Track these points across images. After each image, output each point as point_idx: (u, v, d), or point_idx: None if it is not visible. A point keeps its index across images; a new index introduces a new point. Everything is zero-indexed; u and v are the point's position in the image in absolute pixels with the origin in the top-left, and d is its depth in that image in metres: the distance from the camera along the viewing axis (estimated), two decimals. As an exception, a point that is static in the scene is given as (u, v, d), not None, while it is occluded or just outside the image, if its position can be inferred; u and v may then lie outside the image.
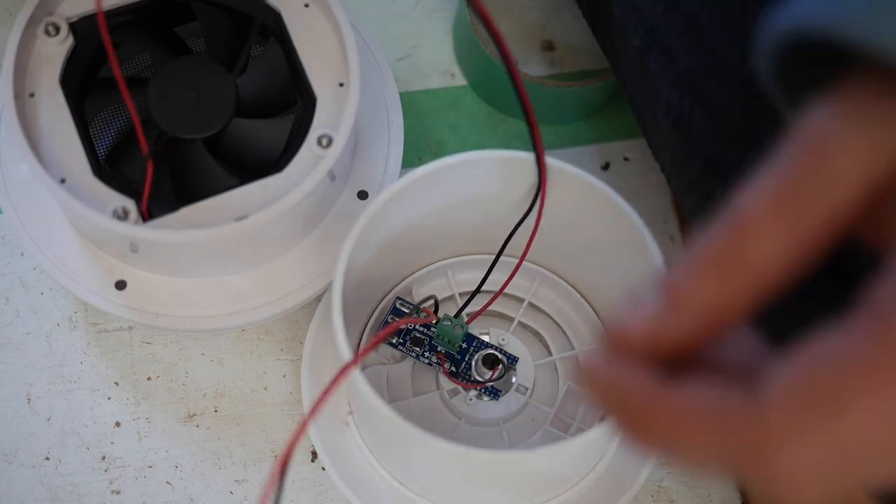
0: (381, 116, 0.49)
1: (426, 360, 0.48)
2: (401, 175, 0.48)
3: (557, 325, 0.51)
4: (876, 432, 0.19)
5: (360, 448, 0.46)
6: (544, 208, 0.43)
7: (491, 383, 0.48)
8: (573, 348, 0.50)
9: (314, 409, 0.35)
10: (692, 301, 0.21)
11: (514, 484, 0.44)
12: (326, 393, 0.34)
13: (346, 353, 0.38)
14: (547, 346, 0.50)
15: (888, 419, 0.19)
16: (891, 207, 0.21)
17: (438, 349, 0.48)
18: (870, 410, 0.19)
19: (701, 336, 0.22)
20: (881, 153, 0.20)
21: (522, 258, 0.46)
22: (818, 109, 0.21)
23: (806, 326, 0.21)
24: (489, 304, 0.48)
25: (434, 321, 0.47)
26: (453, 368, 0.48)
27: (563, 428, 0.48)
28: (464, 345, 0.48)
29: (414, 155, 0.57)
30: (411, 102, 0.58)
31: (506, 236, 0.45)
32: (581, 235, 0.45)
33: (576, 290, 0.50)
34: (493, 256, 0.46)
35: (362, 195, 0.47)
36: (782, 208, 0.21)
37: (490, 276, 0.47)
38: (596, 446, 0.43)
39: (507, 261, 0.46)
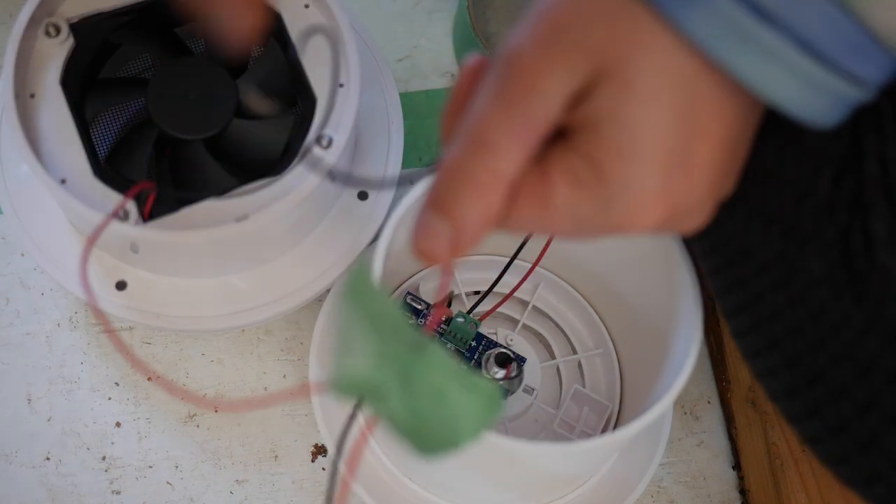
0: (381, 116, 0.49)
1: None
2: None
3: (560, 328, 0.51)
4: None
5: (369, 440, 0.46)
6: None
7: (504, 381, 0.48)
8: (575, 353, 0.50)
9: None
10: (471, 222, 0.27)
11: (525, 483, 0.44)
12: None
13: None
14: (550, 350, 0.50)
15: None
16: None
17: (448, 346, 0.48)
18: None
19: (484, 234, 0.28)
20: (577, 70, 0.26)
21: (535, 264, 0.46)
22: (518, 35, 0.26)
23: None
24: (500, 304, 0.48)
25: (447, 317, 0.47)
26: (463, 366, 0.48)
27: (567, 431, 0.48)
28: (473, 343, 0.48)
29: (414, 155, 0.57)
30: (411, 103, 0.58)
31: (509, 239, 0.45)
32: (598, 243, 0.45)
33: (579, 293, 0.50)
34: (495, 257, 0.46)
35: (362, 195, 0.47)
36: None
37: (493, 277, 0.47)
38: (611, 448, 0.44)
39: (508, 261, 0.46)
